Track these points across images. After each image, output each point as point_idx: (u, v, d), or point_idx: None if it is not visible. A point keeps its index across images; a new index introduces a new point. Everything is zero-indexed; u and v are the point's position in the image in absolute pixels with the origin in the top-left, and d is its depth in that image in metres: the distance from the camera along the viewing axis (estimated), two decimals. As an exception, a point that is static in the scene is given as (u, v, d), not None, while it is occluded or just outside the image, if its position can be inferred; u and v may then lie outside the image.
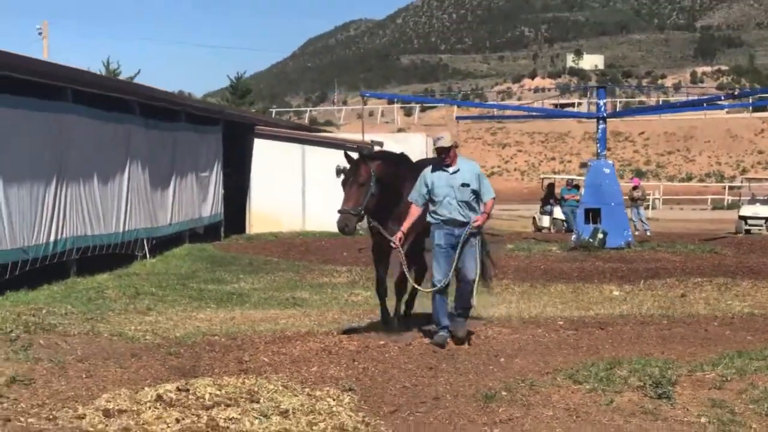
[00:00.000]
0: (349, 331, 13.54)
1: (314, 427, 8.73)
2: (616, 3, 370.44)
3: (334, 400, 9.61)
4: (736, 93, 45.14)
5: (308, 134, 37.97)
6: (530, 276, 21.98)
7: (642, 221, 38.59)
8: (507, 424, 9.23)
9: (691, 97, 70.57)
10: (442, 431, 9.05)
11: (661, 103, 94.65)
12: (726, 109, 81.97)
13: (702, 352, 11.97)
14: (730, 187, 70.29)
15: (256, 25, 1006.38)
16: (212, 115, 31.43)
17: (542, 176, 54.26)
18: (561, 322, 14.63)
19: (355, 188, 12.45)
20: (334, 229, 31.99)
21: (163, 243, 25.55)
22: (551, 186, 43.24)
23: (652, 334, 13.62)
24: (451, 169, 12.34)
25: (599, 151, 29.96)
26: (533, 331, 13.72)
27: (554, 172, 69.71)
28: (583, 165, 61.49)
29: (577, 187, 38.59)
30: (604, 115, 29.80)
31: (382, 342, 12.76)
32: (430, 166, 12.63)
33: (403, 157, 13.85)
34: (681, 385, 10.21)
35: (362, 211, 12.55)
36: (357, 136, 38.48)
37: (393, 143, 41.14)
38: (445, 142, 12.33)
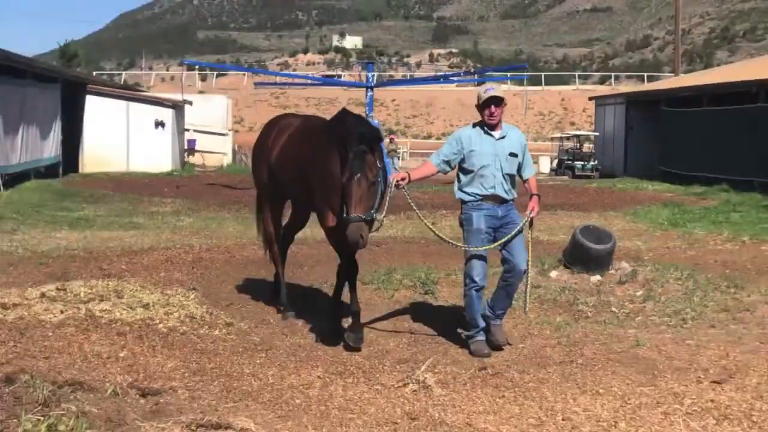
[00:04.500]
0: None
1: (170, 316, 9.00)
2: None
3: (183, 297, 9.84)
4: (473, 71, 46.91)
5: (131, 92, 37.39)
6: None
7: (396, 169, 39.77)
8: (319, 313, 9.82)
9: (438, 73, 72.23)
10: (269, 317, 9.56)
11: (408, 77, 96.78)
12: (456, 83, 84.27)
13: (453, 263, 12.83)
14: (460, 143, 72.36)
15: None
16: (53, 74, 30.64)
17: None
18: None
19: (366, 187, 7.87)
20: (152, 170, 32.26)
21: (13, 179, 24.86)
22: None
23: (415, 251, 14.45)
24: (496, 134, 8.33)
25: (368, 113, 30.76)
26: (326, 248, 14.27)
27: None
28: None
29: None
30: (372, 84, 30.63)
31: (213, 255, 13.23)
32: (468, 127, 8.60)
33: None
34: (440, 285, 11.11)
35: (374, 216, 8.20)
36: (173, 95, 38.11)
37: (202, 102, 41.05)
38: (498, 92, 8.40)
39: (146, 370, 7.17)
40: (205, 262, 12.71)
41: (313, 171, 8.76)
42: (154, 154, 33.33)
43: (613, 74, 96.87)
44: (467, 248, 8.34)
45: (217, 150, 39.39)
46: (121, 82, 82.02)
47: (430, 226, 8.88)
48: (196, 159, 39.33)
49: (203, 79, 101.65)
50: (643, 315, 9.69)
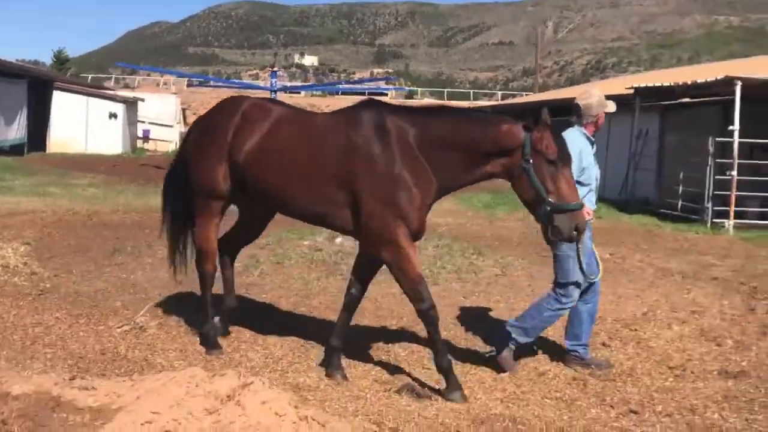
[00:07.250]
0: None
1: (-17, 265, 8.33)
2: (327, 24, 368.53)
3: (12, 249, 9.15)
4: (355, 81, 45.89)
5: (92, 89, 35.89)
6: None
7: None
8: (119, 266, 9.16)
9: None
10: (75, 267, 8.87)
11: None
12: (388, 95, 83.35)
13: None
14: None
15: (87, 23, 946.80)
16: (20, 72, 29.37)
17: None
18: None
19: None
20: (106, 152, 31.03)
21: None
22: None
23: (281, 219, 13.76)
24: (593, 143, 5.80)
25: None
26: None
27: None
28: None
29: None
30: (275, 89, 29.63)
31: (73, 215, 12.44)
32: (573, 133, 5.64)
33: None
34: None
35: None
36: (127, 93, 36.85)
37: (156, 100, 39.79)
38: (613, 106, 5.74)
39: None
40: (63, 223, 11.93)
41: (367, 173, 5.13)
42: (107, 140, 32.22)
43: (500, 92, 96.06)
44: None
45: (166, 138, 38.37)
46: (114, 84, 79.67)
47: None
48: (150, 145, 38.20)
49: (189, 84, 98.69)
50: (384, 273, 9.17)
